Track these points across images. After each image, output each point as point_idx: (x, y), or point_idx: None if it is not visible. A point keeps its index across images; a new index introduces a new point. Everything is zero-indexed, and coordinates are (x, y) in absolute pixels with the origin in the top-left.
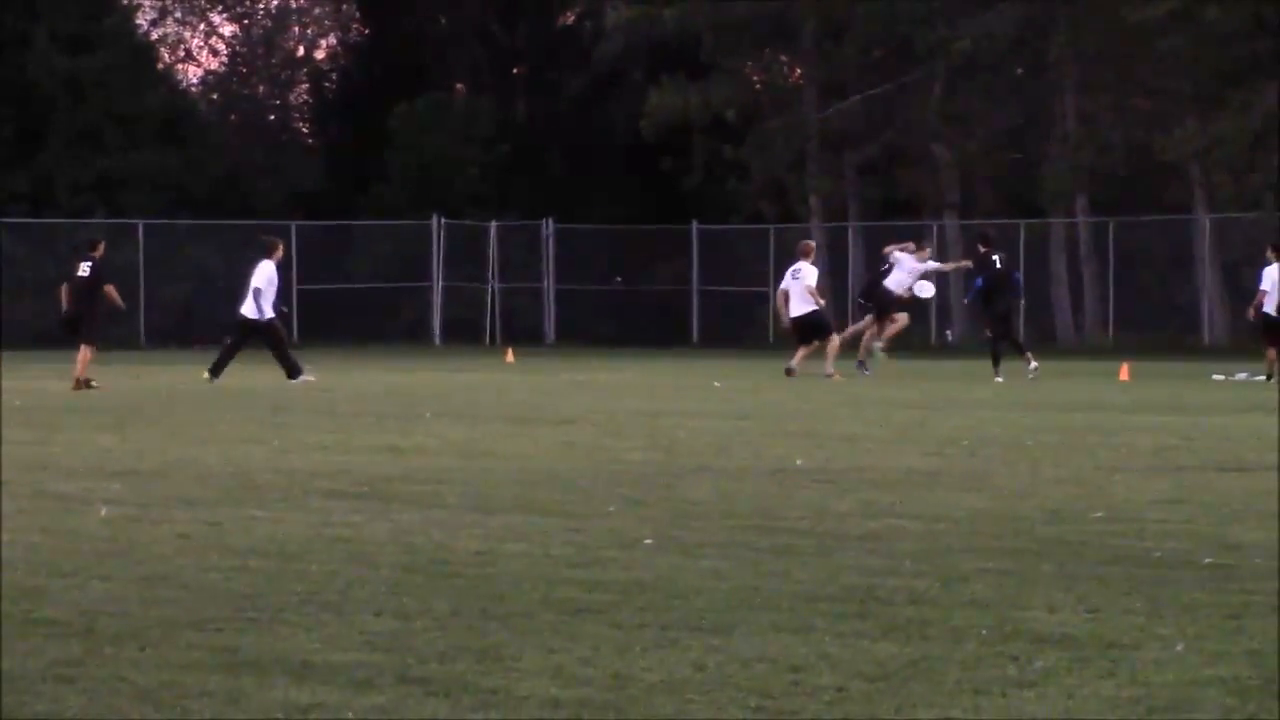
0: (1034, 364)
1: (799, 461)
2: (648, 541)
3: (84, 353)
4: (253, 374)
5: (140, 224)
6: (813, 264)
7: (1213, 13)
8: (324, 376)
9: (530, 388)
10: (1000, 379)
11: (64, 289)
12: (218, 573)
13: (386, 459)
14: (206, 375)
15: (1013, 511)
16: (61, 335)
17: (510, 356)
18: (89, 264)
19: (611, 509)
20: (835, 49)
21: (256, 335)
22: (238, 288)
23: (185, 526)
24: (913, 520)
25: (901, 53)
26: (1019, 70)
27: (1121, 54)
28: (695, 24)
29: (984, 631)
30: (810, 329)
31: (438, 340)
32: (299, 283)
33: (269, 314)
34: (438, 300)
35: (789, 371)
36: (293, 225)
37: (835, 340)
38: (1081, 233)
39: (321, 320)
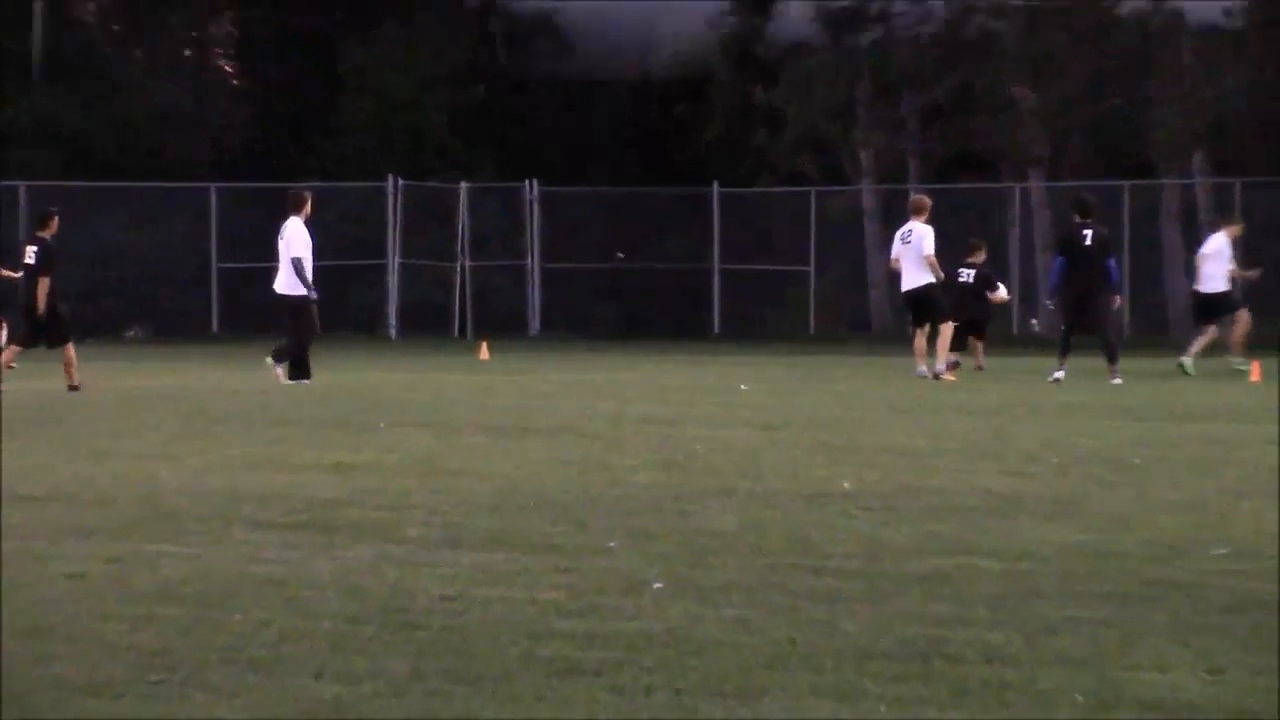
0: (1058, 375)
1: (846, 484)
2: (657, 584)
3: (68, 353)
4: (170, 371)
5: (22, 186)
6: (927, 224)
7: None
8: (254, 376)
9: (511, 390)
10: (1060, 374)
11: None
12: (118, 623)
13: (330, 479)
14: (290, 382)
15: (1114, 546)
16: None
17: (485, 352)
18: (34, 248)
19: (612, 543)
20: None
21: (290, 313)
22: (146, 264)
23: (78, 565)
24: (988, 557)
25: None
26: None
27: None
28: None
29: (1079, 697)
30: (924, 307)
31: (394, 331)
32: (220, 259)
33: (306, 291)
34: (394, 281)
35: (934, 376)
36: (213, 188)
37: (949, 328)
38: (1200, 197)
39: (248, 306)
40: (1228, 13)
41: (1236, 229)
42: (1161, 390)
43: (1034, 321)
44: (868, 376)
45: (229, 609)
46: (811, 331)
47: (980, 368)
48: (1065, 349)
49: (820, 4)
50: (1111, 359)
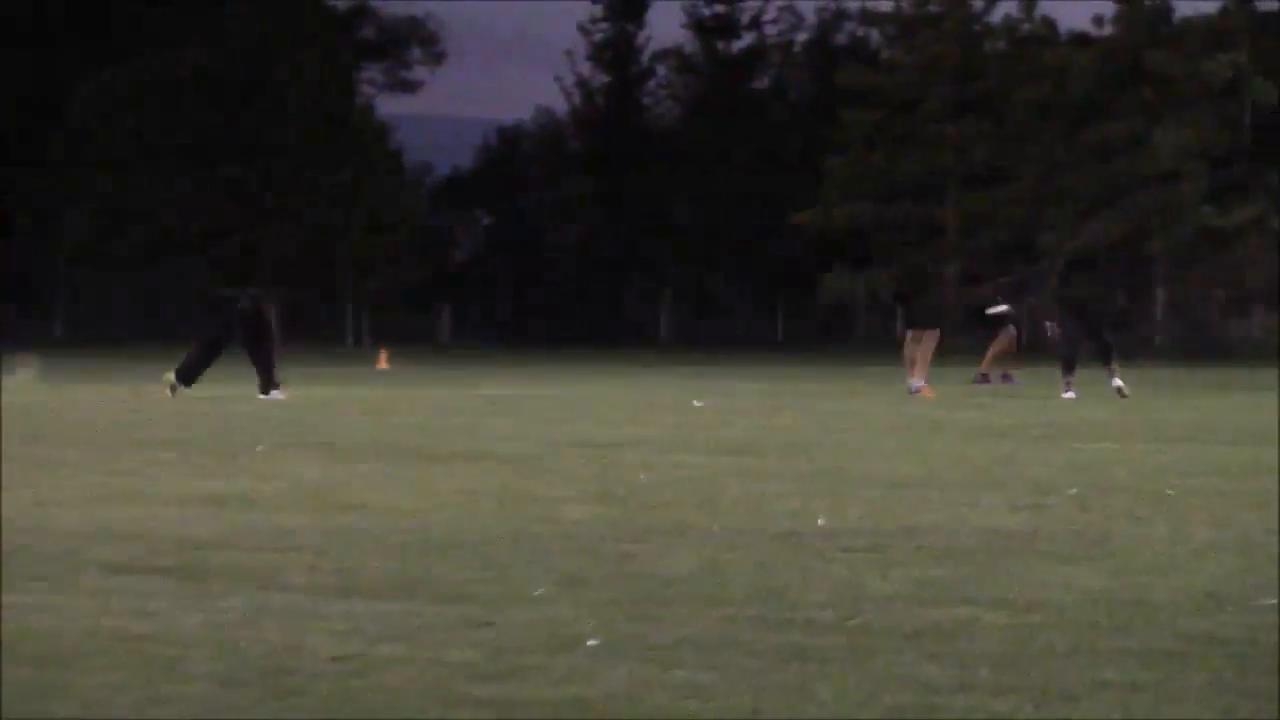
0: (1068, 394)
1: (821, 520)
2: (593, 641)
3: None
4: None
5: None
6: None
7: (1278, 223)
8: (105, 389)
9: (417, 406)
10: (1070, 393)
11: None
12: None
13: (199, 514)
14: (170, 380)
15: (1145, 594)
16: None
17: (384, 360)
18: None
19: (538, 591)
20: (974, 245)
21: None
22: None
23: None
24: (994, 608)
25: (1025, 249)
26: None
27: (1205, 253)
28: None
29: None
30: (914, 309)
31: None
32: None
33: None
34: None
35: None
36: None
37: (934, 337)
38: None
39: (97, 304)
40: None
41: None
42: (1203, 406)
43: (1049, 325)
44: (850, 390)
45: (75, 670)
46: (779, 339)
47: (984, 377)
48: (1071, 362)
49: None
50: (1107, 360)
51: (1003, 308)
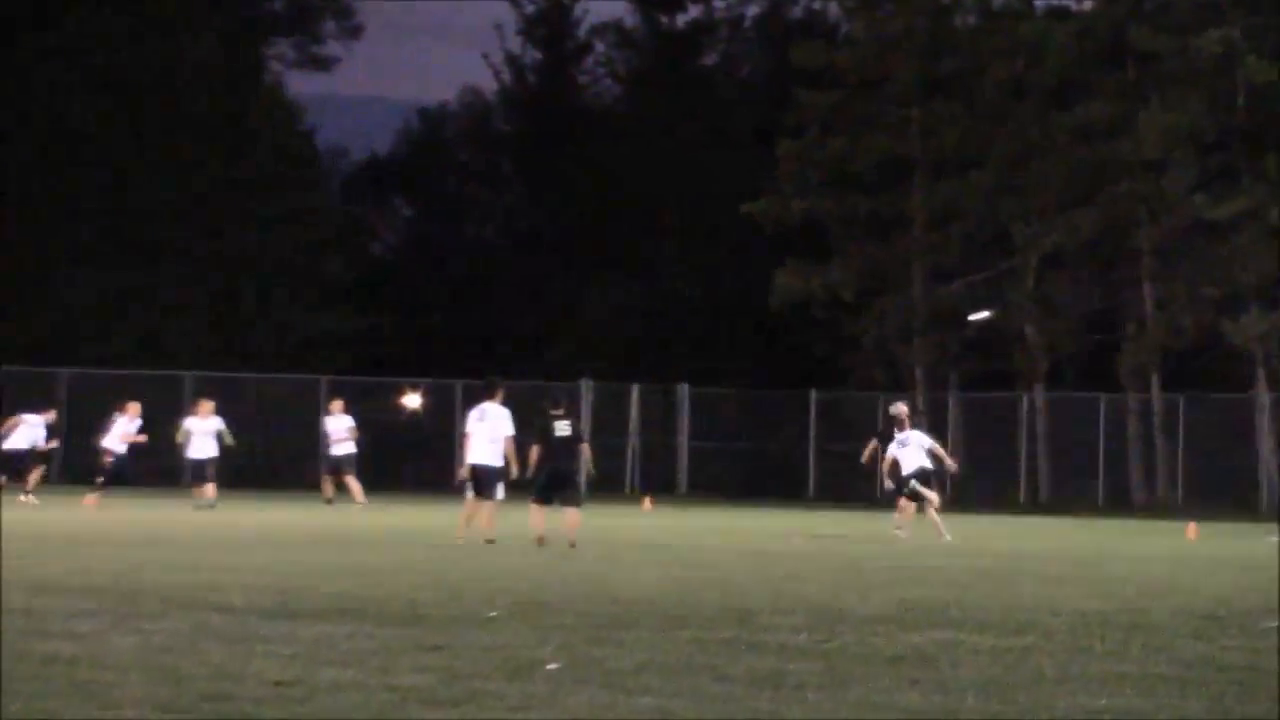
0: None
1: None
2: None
3: None
4: None
5: None
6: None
7: (1275, 214)
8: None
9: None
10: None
11: None
12: None
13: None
14: None
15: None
16: None
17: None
18: None
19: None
20: (943, 239)
21: None
22: None
23: None
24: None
25: (1000, 241)
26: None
27: (1195, 248)
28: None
29: None
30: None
31: None
32: None
33: None
34: None
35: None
36: None
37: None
38: (1155, 406)
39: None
40: None
41: None
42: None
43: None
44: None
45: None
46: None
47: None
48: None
49: None
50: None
51: (984, 314)
